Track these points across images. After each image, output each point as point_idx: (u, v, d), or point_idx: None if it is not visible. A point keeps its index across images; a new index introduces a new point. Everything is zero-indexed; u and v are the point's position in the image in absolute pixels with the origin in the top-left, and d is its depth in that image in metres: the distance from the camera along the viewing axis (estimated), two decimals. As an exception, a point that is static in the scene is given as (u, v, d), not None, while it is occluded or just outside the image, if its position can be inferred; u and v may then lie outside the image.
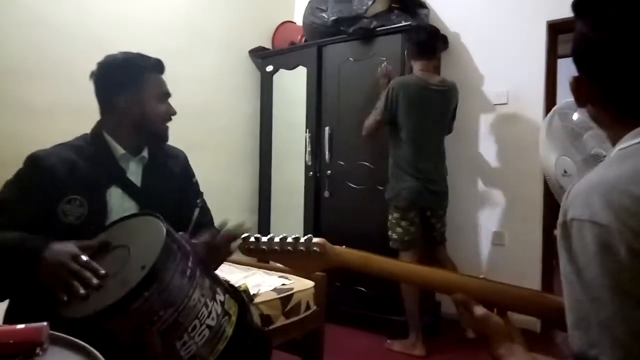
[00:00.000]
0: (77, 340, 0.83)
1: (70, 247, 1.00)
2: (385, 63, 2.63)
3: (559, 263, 0.60)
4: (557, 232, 0.60)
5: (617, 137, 0.65)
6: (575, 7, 0.67)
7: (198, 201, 1.40)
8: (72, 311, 0.90)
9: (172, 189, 1.38)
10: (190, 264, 0.97)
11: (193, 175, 1.51)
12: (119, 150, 1.29)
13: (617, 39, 0.62)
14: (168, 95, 1.38)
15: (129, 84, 1.29)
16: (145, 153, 1.35)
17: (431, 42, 2.52)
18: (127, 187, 1.29)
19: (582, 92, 0.68)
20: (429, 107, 2.46)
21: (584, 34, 0.66)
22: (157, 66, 1.36)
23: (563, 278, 0.59)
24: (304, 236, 0.88)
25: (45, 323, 0.80)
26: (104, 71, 1.31)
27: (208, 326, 0.96)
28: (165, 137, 1.38)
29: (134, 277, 0.88)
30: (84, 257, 0.97)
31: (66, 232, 1.12)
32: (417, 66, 2.52)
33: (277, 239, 0.89)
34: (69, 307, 0.92)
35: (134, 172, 1.32)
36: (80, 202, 1.20)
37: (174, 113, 1.38)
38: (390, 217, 2.53)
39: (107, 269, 0.94)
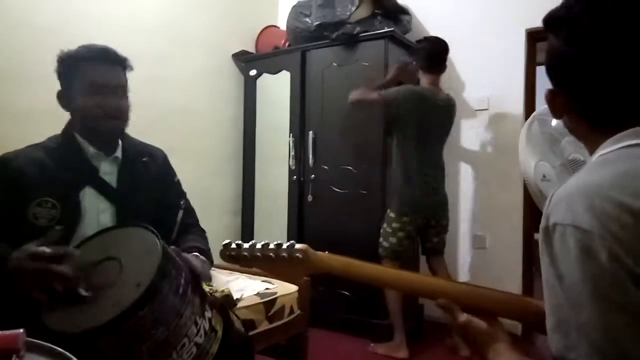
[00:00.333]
0: (55, 347, 0.81)
1: (26, 248, 0.96)
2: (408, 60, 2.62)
3: (541, 267, 0.61)
4: (540, 236, 0.61)
5: (594, 146, 0.66)
6: (546, 22, 0.70)
7: (181, 202, 1.36)
8: (60, 324, 0.87)
9: (150, 189, 1.31)
10: (183, 281, 0.95)
11: (174, 174, 1.44)
12: (90, 149, 1.24)
13: (589, 53, 0.64)
14: (112, 87, 1.23)
15: (69, 77, 1.23)
16: (118, 153, 1.29)
17: (443, 55, 2.54)
18: (102, 188, 1.23)
19: (558, 104, 0.70)
20: (435, 121, 2.50)
21: (556, 48, 0.68)
22: (101, 56, 1.23)
23: (544, 282, 0.60)
24: (287, 241, 0.88)
25: (21, 330, 0.78)
26: (57, 68, 1.26)
27: (196, 344, 0.95)
28: (109, 134, 1.26)
29: (129, 295, 0.86)
30: (46, 250, 0.93)
31: (38, 236, 1.06)
32: (426, 79, 2.54)
33: (259, 246, 0.89)
34: (56, 318, 0.88)
35: (109, 172, 1.26)
36: (52, 205, 1.15)
37: (111, 106, 1.22)
38: (385, 226, 2.50)
39: (97, 282, 0.91)
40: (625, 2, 0.62)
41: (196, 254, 1.19)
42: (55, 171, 1.18)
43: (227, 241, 0.91)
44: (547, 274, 0.59)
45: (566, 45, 0.66)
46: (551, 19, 0.69)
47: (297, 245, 0.87)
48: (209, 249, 1.31)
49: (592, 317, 0.53)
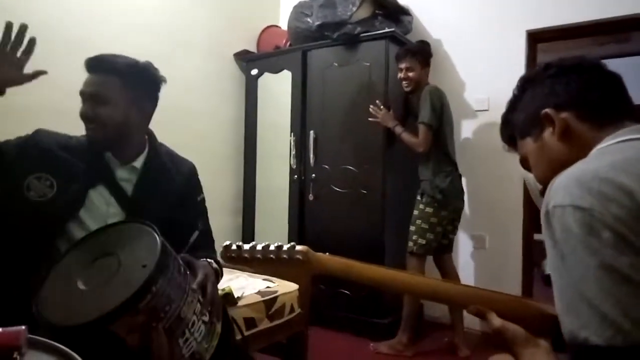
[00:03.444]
0: (56, 344, 0.81)
1: None
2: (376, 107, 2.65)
3: (546, 253, 0.61)
4: (542, 222, 0.62)
5: (595, 145, 0.70)
6: (526, 80, 0.85)
7: (198, 223, 1.31)
8: (67, 318, 0.86)
9: (168, 205, 1.26)
10: (181, 261, 0.98)
11: (199, 192, 1.39)
12: (107, 153, 1.26)
13: (570, 74, 0.78)
14: (88, 94, 1.23)
15: None
16: (138, 163, 1.27)
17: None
18: (116, 192, 1.22)
19: (561, 120, 0.75)
20: (450, 115, 2.60)
21: (540, 91, 0.81)
22: (92, 65, 1.25)
23: (549, 266, 0.61)
24: (287, 241, 0.88)
25: (23, 327, 0.78)
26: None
27: (203, 322, 0.97)
28: (90, 141, 1.24)
29: (138, 275, 0.87)
30: None
31: (26, 210, 1.11)
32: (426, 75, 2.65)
33: (259, 247, 0.89)
34: (61, 313, 0.88)
35: (126, 180, 1.25)
36: (51, 183, 1.15)
37: (82, 115, 1.23)
38: (420, 222, 2.49)
39: (97, 277, 0.91)
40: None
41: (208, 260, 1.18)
42: (72, 157, 1.20)
43: (227, 242, 0.92)
44: (552, 258, 0.60)
45: (548, 84, 0.80)
46: (527, 78, 0.87)
47: (298, 247, 0.87)
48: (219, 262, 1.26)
49: (599, 290, 0.53)
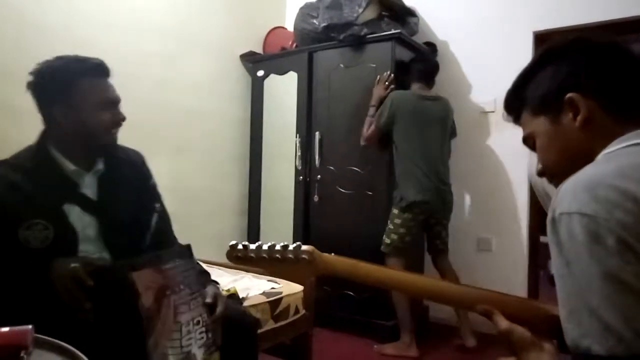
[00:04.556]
0: (62, 343, 0.82)
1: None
2: (387, 73, 2.69)
3: (551, 260, 0.61)
4: (547, 228, 0.61)
5: (609, 141, 0.68)
6: (550, 52, 0.76)
7: (156, 205, 1.34)
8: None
9: (128, 197, 1.29)
10: (200, 268, 1.21)
11: (150, 177, 1.40)
12: (69, 166, 1.21)
13: (598, 58, 0.71)
14: (113, 101, 1.25)
15: (62, 93, 1.19)
16: (100, 166, 1.26)
17: (432, 74, 2.70)
18: (83, 203, 1.21)
19: (584, 106, 0.70)
20: (428, 116, 2.58)
21: (561, 70, 0.73)
22: (97, 70, 1.23)
23: (555, 273, 0.60)
24: (293, 242, 0.89)
25: (30, 326, 0.79)
26: (37, 80, 1.21)
27: (206, 332, 1.07)
28: (103, 149, 1.27)
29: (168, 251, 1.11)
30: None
31: (31, 260, 1.09)
32: (414, 86, 2.66)
33: (265, 247, 0.89)
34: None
35: (89, 186, 1.24)
36: (44, 226, 1.12)
37: (121, 119, 1.26)
38: (389, 223, 2.56)
39: None
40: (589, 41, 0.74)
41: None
42: (35, 192, 1.14)
43: (233, 242, 0.92)
44: (557, 264, 0.59)
45: (570, 64, 0.73)
46: (548, 52, 0.77)
47: (304, 247, 0.87)
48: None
49: (603, 299, 0.53)
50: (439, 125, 2.62)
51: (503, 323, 0.74)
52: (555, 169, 0.76)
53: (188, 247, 1.14)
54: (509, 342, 0.73)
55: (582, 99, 0.70)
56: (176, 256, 1.07)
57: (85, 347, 0.83)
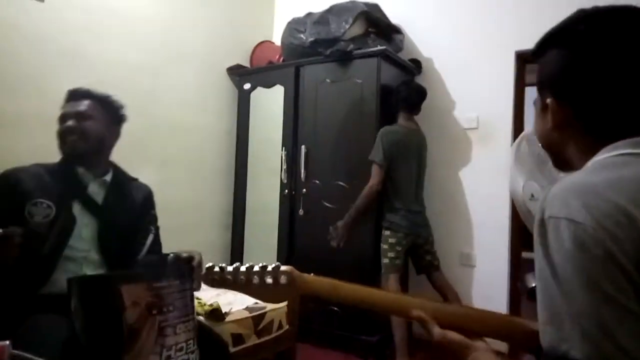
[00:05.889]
0: (40, 359, 0.80)
1: None
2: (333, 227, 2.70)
3: (535, 261, 0.61)
4: (535, 230, 0.62)
5: (589, 157, 0.67)
6: (552, 35, 0.71)
7: (152, 228, 1.53)
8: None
9: (131, 212, 1.52)
10: (194, 296, 1.15)
11: (153, 207, 1.64)
12: (80, 168, 1.47)
13: (595, 66, 0.65)
14: (73, 114, 1.48)
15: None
16: (108, 177, 1.52)
17: (419, 103, 2.77)
18: (87, 203, 1.43)
19: (561, 115, 0.70)
20: (411, 147, 2.69)
21: (564, 61, 0.69)
22: (71, 95, 1.53)
23: (537, 275, 0.61)
24: (277, 256, 0.87)
25: (7, 342, 0.77)
26: None
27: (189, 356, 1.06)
28: (69, 152, 1.47)
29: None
30: None
31: (32, 235, 1.23)
32: (402, 117, 2.74)
33: (243, 269, 0.86)
34: None
35: (97, 192, 1.48)
36: (47, 205, 1.33)
37: (66, 129, 1.47)
38: (382, 244, 2.63)
39: None
40: (626, 22, 0.65)
41: None
42: (50, 182, 1.39)
43: (209, 264, 0.89)
44: (541, 266, 0.59)
45: (576, 58, 0.67)
46: (558, 33, 0.70)
47: (283, 268, 0.86)
48: None
49: (584, 307, 0.53)
50: (419, 154, 2.75)
51: (436, 330, 0.75)
52: (540, 142, 0.77)
53: (188, 268, 1.15)
54: (445, 349, 0.74)
55: (557, 105, 0.69)
56: (173, 276, 1.05)
57: (63, 353, 0.87)
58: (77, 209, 1.40)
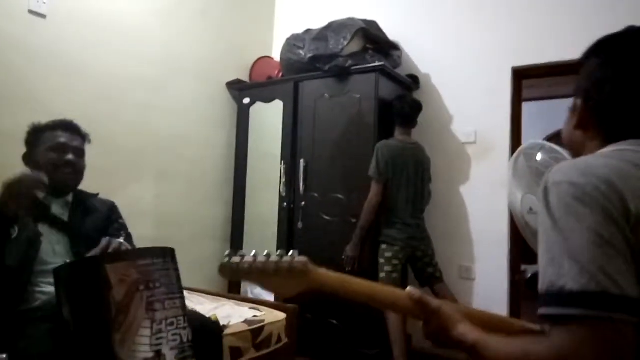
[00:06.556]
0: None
1: None
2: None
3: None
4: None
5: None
6: (596, 46, 0.79)
7: (122, 233, 1.58)
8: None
9: (99, 224, 1.60)
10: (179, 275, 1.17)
11: (120, 217, 1.72)
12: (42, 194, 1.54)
13: (621, 77, 0.73)
14: (70, 147, 1.56)
15: (39, 142, 1.58)
16: (69, 197, 1.60)
17: (414, 116, 2.79)
18: (54, 222, 1.50)
19: (585, 116, 0.78)
20: (409, 162, 2.69)
21: (595, 69, 0.77)
22: (63, 125, 1.60)
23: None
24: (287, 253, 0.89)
25: (4, 355, 0.78)
26: (28, 137, 1.63)
27: (181, 335, 1.06)
28: (61, 183, 1.53)
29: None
30: None
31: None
32: (398, 131, 2.77)
33: (261, 258, 0.88)
34: None
35: (61, 213, 1.55)
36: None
37: (67, 162, 1.54)
38: (379, 259, 2.64)
39: None
40: None
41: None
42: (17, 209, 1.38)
43: (228, 251, 0.90)
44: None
45: (607, 67, 0.75)
46: (599, 44, 0.78)
47: (298, 257, 0.88)
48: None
49: (582, 247, 0.60)
50: (417, 168, 2.74)
51: (435, 302, 0.84)
52: (566, 142, 0.85)
53: (170, 250, 1.18)
54: (438, 320, 0.81)
55: (583, 107, 0.78)
56: (155, 255, 1.09)
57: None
58: (44, 229, 1.45)
